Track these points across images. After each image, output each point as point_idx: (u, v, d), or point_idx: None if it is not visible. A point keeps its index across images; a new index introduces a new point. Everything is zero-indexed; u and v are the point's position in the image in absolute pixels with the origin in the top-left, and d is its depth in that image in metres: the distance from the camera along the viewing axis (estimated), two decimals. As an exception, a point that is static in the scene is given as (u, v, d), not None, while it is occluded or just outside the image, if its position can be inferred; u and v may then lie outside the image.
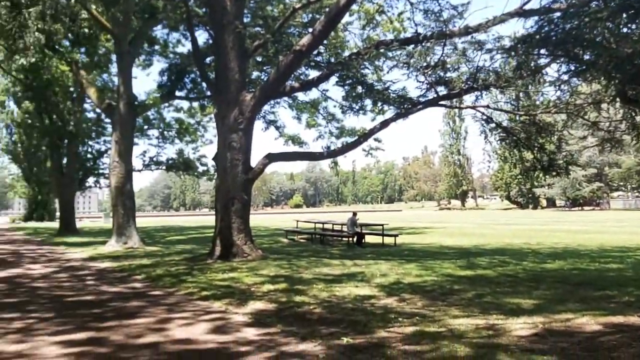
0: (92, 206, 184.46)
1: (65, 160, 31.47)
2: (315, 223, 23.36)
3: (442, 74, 13.34)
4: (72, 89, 30.83)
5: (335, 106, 27.93)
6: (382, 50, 13.99)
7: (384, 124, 14.30)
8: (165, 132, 35.02)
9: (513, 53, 11.15)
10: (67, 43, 22.38)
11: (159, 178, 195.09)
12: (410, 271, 11.28)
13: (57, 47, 21.26)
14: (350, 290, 8.87)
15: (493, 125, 13.96)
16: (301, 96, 24.35)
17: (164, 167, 34.43)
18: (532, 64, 10.89)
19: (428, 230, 29.59)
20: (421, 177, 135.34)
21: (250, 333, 6.13)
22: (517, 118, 13.86)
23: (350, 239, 18.76)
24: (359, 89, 14.95)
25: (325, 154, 15.28)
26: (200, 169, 35.46)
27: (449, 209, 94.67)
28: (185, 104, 33.06)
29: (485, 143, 13.04)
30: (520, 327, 6.06)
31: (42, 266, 14.07)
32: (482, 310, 7.03)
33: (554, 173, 14.24)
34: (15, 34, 15.10)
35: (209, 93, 23.38)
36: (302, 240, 21.40)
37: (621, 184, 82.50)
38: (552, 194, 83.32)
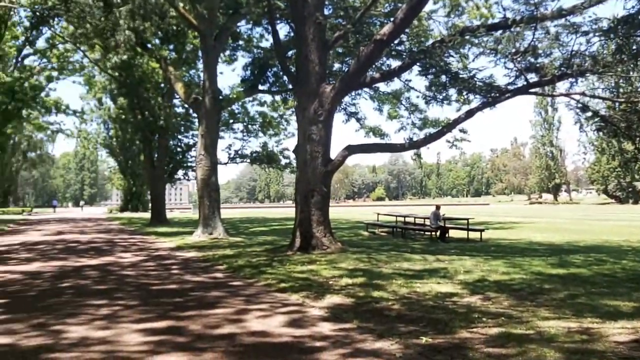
0: (183, 197, 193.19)
1: (156, 154, 32.94)
2: (396, 216, 22.96)
3: (532, 60, 12.57)
4: (162, 85, 32.23)
5: (418, 97, 27.36)
6: (467, 37, 13.36)
7: (469, 114, 13.70)
8: (250, 126, 35.80)
9: (612, 35, 10.32)
10: (156, 41, 23.30)
11: (244, 171, 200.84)
12: (497, 268, 10.72)
13: (147, 44, 22.17)
14: (432, 287, 8.53)
15: (589, 114, 12.96)
16: (382, 87, 24.04)
17: (248, 160, 35.24)
18: (633, 47, 10.02)
19: (517, 225, 28.28)
20: (510, 170, 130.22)
21: (326, 328, 5.99)
22: (617, 106, 12.79)
23: (433, 233, 18.24)
24: (443, 78, 14.40)
25: (406, 146, 14.87)
26: (283, 161, 35.93)
27: (540, 203, 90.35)
28: (268, 98, 33.62)
29: (581, 133, 12.15)
30: (618, 332, 5.52)
31: (132, 255, 14.73)
32: (575, 313, 6.50)
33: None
34: (107, 33, 15.99)
35: (290, 86, 23.64)
36: (382, 234, 21.11)
37: None
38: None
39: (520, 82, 13.06)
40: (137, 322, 6.38)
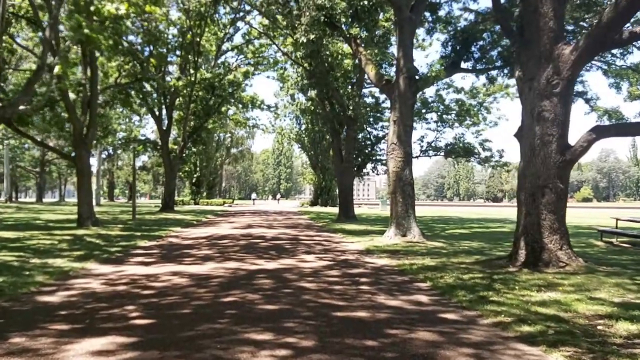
0: (370, 193, 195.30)
1: (344, 147, 31.32)
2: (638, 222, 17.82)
3: None
4: (350, 74, 30.45)
5: None
6: None
7: None
8: (445, 116, 32.44)
9: None
10: (342, 20, 21.25)
11: (432, 167, 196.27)
12: None
13: (336, 23, 20.22)
14: None
15: None
16: (620, 61, 19.05)
17: (442, 153, 31.93)
18: None
19: None
20: None
21: None
22: None
23: None
24: None
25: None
26: (483, 154, 31.88)
27: None
28: (466, 84, 29.97)
29: None
30: None
31: (315, 257, 12.61)
32: None
33: None
34: (293, 12, 14.21)
35: (498, 63, 19.86)
36: (625, 246, 16.36)
37: None
38: None
39: None
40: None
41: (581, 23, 16.06)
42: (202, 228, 22.79)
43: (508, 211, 53.98)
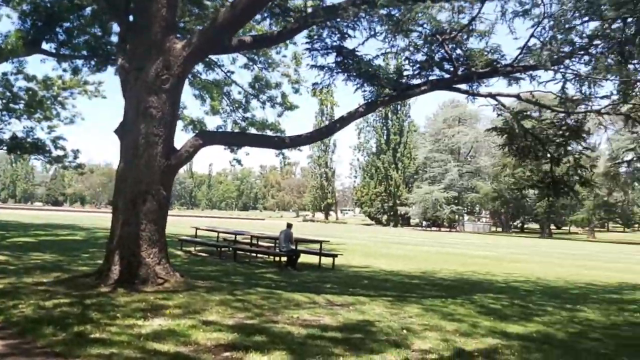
0: None
1: None
2: (218, 232, 18.49)
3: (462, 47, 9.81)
4: None
5: (240, 93, 22.09)
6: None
7: (370, 107, 10.44)
8: (11, 104, 27.64)
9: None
10: None
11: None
12: (438, 322, 7.48)
13: None
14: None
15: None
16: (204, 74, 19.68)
17: (4, 147, 27.08)
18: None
19: (339, 247, 26.03)
20: (285, 187, 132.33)
21: None
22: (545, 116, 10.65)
23: (282, 258, 14.42)
24: (331, 57, 10.84)
25: (287, 141, 10.85)
26: (55, 153, 28.42)
27: (312, 221, 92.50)
28: (39, 72, 26.22)
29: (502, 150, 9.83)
30: None
31: None
32: None
33: (564, 193, 11.34)
34: None
35: (85, 52, 17.77)
36: (203, 255, 16.58)
37: (476, 208, 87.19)
38: (413, 213, 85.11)
39: (438, 75, 10.22)
40: None
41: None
42: None
43: (74, 216, 50.69)
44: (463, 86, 10.20)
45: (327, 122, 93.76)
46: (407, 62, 10.69)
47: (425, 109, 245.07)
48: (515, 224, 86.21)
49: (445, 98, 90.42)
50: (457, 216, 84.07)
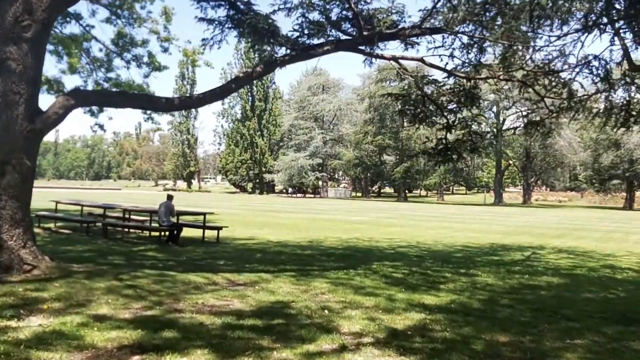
0: None
1: None
2: (82, 206, 16.49)
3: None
4: None
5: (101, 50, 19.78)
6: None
7: (269, 65, 9.59)
8: None
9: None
10: None
11: None
12: (350, 296, 7.10)
13: None
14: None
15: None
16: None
17: None
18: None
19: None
20: (143, 155, 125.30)
21: None
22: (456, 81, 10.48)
23: (161, 233, 13.13)
24: (222, 11, 9.77)
25: (176, 102, 9.58)
26: None
27: (174, 189, 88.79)
28: None
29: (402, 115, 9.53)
30: None
31: None
32: None
33: (452, 159, 11.54)
34: None
35: None
36: (66, 232, 14.70)
37: (338, 174, 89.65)
38: (278, 180, 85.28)
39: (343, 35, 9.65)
40: None
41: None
42: None
43: None
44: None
45: (188, 87, 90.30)
46: (303, 19, 10.01)
47: (288, 77, 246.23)
48: (373, 189, 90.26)
49: (309, 66, 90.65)
50: (321, 182, 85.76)
